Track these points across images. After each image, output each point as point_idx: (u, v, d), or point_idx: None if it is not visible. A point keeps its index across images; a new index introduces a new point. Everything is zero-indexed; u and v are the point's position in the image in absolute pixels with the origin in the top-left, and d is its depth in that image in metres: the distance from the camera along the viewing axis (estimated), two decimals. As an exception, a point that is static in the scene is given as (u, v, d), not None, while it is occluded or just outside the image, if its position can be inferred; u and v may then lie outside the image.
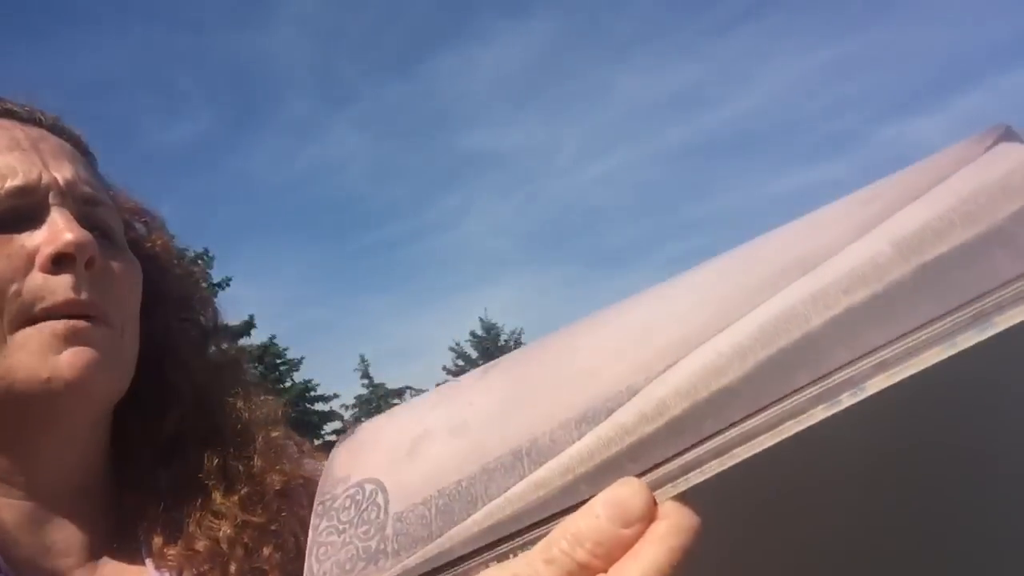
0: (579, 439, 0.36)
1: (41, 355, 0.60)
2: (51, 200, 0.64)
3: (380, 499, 0.40)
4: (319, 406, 25.60)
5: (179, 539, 0.68)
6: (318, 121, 51.65)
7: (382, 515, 0.40)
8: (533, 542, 0.35)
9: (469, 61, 51.49)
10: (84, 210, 0.66)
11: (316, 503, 0.42)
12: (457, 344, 30.36)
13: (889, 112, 52.36)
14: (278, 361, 25.00)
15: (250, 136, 52.00)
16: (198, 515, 0.69)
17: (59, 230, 0.62)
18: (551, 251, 51.68)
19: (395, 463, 0.42)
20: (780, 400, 0.32)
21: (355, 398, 28.55)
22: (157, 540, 0.68)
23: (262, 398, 0.80)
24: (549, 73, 53.15)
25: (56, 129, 0.71)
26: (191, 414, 0.72)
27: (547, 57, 52.80)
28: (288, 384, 25.00)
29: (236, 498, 0.70)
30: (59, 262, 0.61)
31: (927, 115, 51.74)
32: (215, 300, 0.82)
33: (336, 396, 26.67)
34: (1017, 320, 0.30)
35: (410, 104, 52.12)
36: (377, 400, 28.20)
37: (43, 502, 0.65)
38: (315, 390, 25.14)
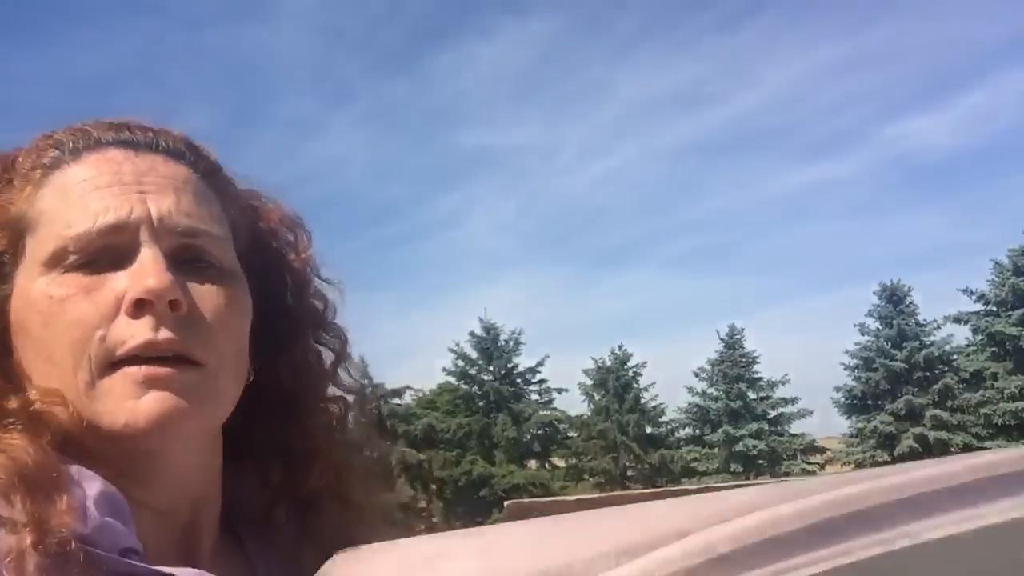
0: (616, 567, 0.37)
1: (120, 402, 0.62)
2: (142, 237, 0.65)
3: None
4: (319, 406, 25.59)
5: None
6: (317, 119, 51.61)
7: None
8: None
9: (470, 58, 51.43)
10: (180, 242, 0.67)
11: None
12: (457, 344, 30.36)
13: (892, 110, 52.50)
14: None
15: (249, 134, 51.94)
16: None
17: (143, 273, 0.63)
18: (551, 251, 51.56)
19: (407, 574, 0.41)
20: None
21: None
22: None
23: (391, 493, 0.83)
24: (550, 71, 53.08)
25: (176, 153, 0.72)
26: (326, 468, 0.75)
27: (548, 54, 52.75)
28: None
29: None
30: (141, 305, 0.63)
31: (929, 113, 51.80)
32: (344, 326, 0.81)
33: (336, 396, 26.64)
34: None
35: (410, 102, 52.05)
36: (377, 400, 28.15)
37: (163, 507, 0.68)
38: (315, 390, 25.13)
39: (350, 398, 0.81)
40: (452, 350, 30.22)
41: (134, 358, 0.63)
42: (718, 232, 52.11)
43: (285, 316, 0.76)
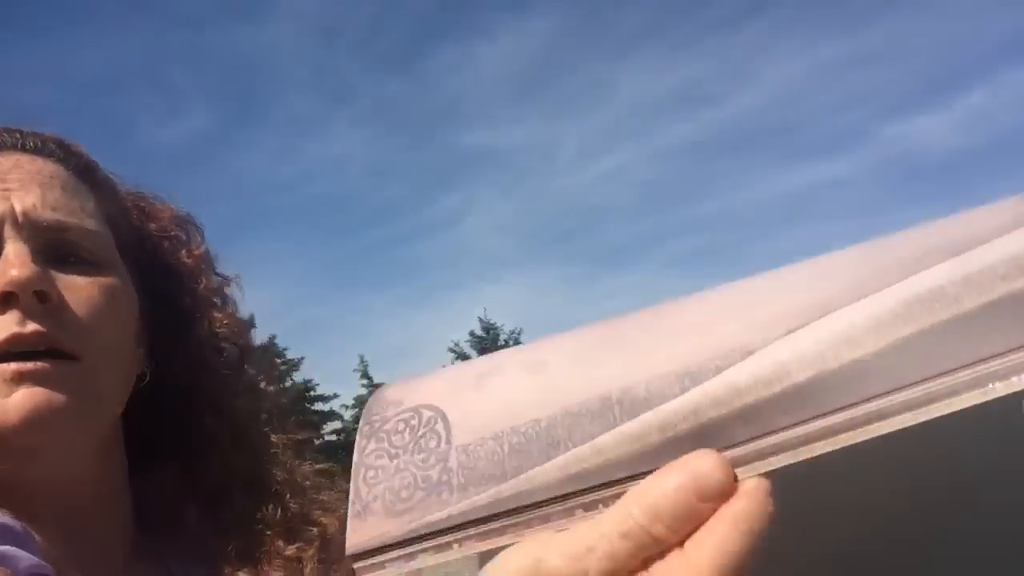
0: (681, 394, 0.34)
1: None
2: (6, 233, 0.63)
3: (440, 428, 0.38)
4: (319, 406, 25.55)
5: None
6: (318, 118, 51.66)
7: (443, 444, 0.37)
8: (620, 495, 0.34)
9: (470, 57, 51.03)
10: (48, 237, 0.65)
11: (363, 423, 0.40)
12: (456, 344, 30.29)
13: (893, 109, 52.28)
14: (278, 361, 25.04)
15: (249, 134, 51.81)
16: (266, 559, 0.73)
17: (6, 266, 0.61)
18: (551, 250, 51.33)
19: (457, 393, 0.39)
20: (922, 381, 0.31)
21: (355, 398, 28.32)
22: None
23: (307, 464, 0.84)
24: (551, 69, 52.84)
25: (45, 151, 0.70)
26: (235, 461, 0.75)
27: (549, 53, 52.51)
28: (288, 384, 25.05)
29: (311, 551, 0.75)
30: (7, 300, 0.60)
31: (931, 113, 51.67)
32: (246, 319, 0.81)
33: (336, 396, 26.60)
34: None
35: (410, 101, 51.73)
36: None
37: (63, 518, 0.65)
38: (315, 390, 25.11)
39: (260, 386, 0.81)
40: (452, 350, 30.03)
41: (3, 355, 0.60)
42: (719, 232, 51.98)
43: (179, 313, 0.75)
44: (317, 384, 25.84)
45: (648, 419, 0.34)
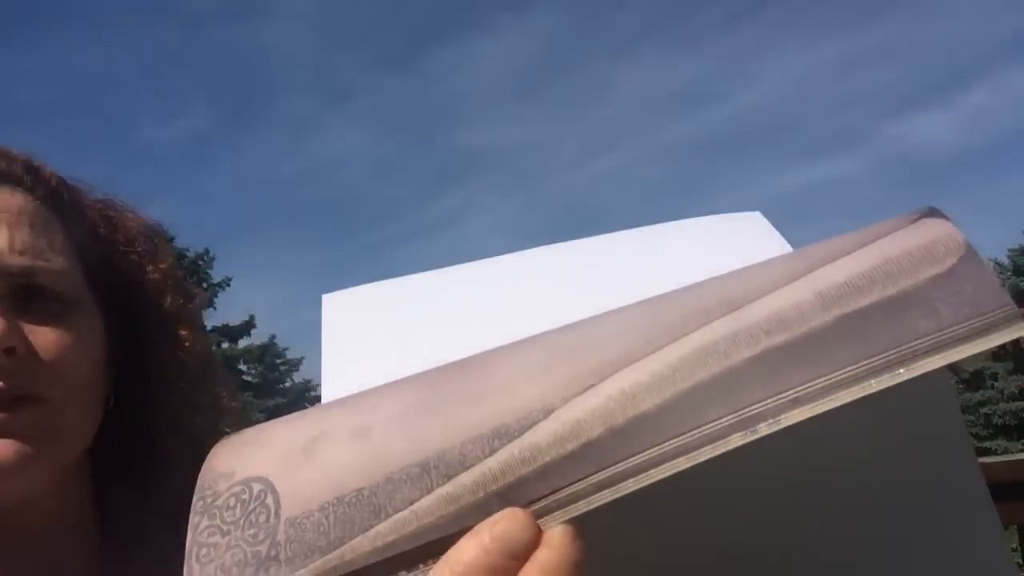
0: (491, 455, 0.36)
1: None
2: None
3: (270, 501, 0.38)
4: (319, 406, 25.70)
5: None
6: (318, 118, 51.24)
7: (272, 519, 0.38)
8: (438, 554, 0.36)
9: (470, 56, 51.21)
10: (15, 282, 0.64)
11: (196, 499, 0.39)
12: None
13: (895, 108, 52.19)
14: (278, 361, 25.08)
15: (249, 133, 51.79)
16: None
17: None
18: (551, 250, 51.46)
19: (287, 463, 0.39)
20: (695, 428, 0.34)
21: (355, 398, 28.56)
22: None
23: None
24: (551, 68, 52.91)
25: (12, 180, 0.68)
26: (195, 479, 0.73)
27: (549, 52, 52.62)
28: (288, 384, 25.11)
29: None
30: None
31: (932, 111, 51.59)
32: (207, 336, 0.79)
33: (336, 396, 26.78)
34: (924, 370, 0.33)
35: (410, 100, 51.81)
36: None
37: (24, 543, 0.66)
38: (315, 390, 25.18)
39: (224, 403, 0.79)
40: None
41: None
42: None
43: (143, 333, 0.74)
44: (317, 384, 25.71)
45: (462, 480, 0.36)
